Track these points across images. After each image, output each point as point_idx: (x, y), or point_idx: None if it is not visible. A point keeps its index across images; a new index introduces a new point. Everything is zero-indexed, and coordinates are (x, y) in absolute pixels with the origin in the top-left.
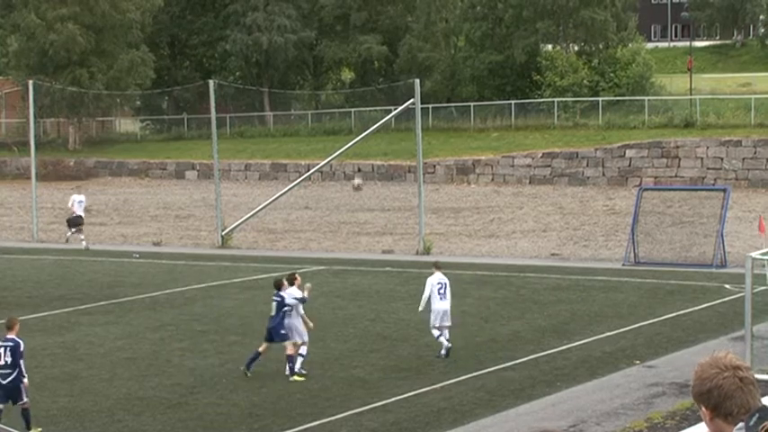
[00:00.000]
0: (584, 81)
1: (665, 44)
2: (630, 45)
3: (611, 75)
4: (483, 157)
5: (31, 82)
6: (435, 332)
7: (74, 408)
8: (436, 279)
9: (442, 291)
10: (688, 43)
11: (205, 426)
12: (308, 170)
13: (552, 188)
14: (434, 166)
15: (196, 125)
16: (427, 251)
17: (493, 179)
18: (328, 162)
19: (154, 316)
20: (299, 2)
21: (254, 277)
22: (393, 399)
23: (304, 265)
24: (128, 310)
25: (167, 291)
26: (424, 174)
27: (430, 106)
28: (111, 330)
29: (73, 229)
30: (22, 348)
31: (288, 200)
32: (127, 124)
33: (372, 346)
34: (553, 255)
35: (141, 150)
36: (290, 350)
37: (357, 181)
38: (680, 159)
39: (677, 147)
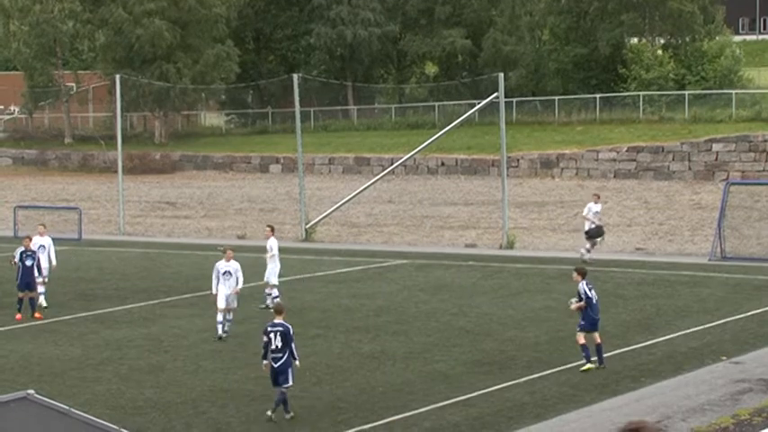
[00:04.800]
0: (671, 74)
1: (754, 37)
2: (718, 38)
3: (699, 68)
4: (567, 151)
5: (118, 76)
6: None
7: (159, 399)
8: (223, 265)
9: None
10: None
11: (288, 418)
12: (392, 164)
13: (637, 182)
14: (518, 160)
15: (280, 119)
16: (511, 245)
17: (577, 173)
18: (412, 156)
19: (238, 309)
20: None
21: (337, 271)
22: (476, 393)
23: (387, 258)
24: (212, 302)
25: (251, 284)
26: (507, 168)
27: (514, 100)
28: (196, 323)
29: (598, 240)
30: (291, 332)
31: (371, 194)
32: (212, 118)
33: (455, 340)
34: (638, 249)
35: (226, 144)
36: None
37: None
38: None
39: (765, 141)
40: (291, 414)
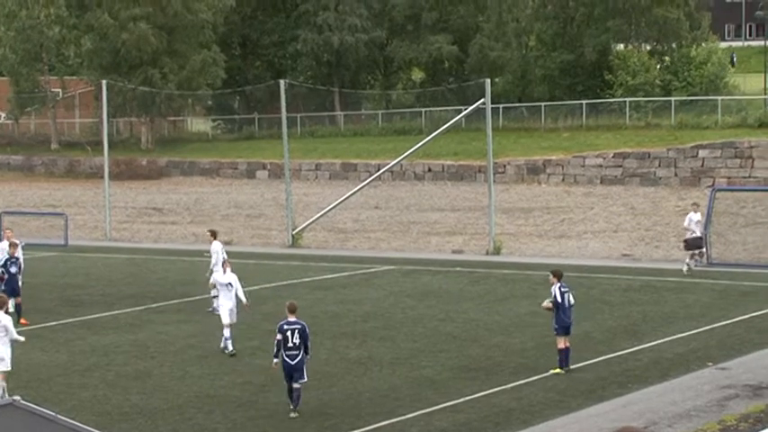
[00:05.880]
0: (656, 80)
1: (739, 43)
2: (704, 44)
3: (685, 74)
4: (554, 157)
5: (104, 82)
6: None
7: (146, 405)
8: (222, 277)
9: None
10: (762, 42)
11: (275, 424)
12: (379, 170)
13: (623, 188)
14: (505, 166)
15: (267, 125)
16: (497, 251)
17: (563, 179)
18: (398, 162)
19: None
20: (370, 1)
21: (324, 277)
22: (463, 399)
23: (374, 264)
24: (199, 308)
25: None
26: (494, 174)
27: (500, 106)
28: (183, 328)
29: (696, 251)
30: (308, 330)
31: (358, 199)
32: (198, 124)
33: (442, 345)
34: (624, 255)
35: (212, 150)
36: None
37: None
38: (754, 160)
39: (751, 147)
40: (296, 414)
